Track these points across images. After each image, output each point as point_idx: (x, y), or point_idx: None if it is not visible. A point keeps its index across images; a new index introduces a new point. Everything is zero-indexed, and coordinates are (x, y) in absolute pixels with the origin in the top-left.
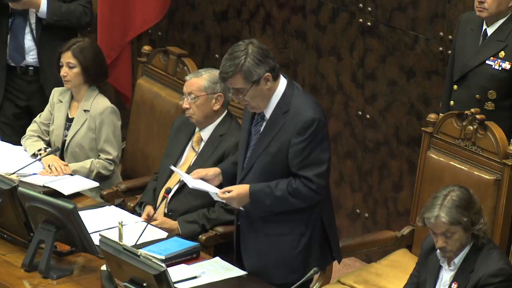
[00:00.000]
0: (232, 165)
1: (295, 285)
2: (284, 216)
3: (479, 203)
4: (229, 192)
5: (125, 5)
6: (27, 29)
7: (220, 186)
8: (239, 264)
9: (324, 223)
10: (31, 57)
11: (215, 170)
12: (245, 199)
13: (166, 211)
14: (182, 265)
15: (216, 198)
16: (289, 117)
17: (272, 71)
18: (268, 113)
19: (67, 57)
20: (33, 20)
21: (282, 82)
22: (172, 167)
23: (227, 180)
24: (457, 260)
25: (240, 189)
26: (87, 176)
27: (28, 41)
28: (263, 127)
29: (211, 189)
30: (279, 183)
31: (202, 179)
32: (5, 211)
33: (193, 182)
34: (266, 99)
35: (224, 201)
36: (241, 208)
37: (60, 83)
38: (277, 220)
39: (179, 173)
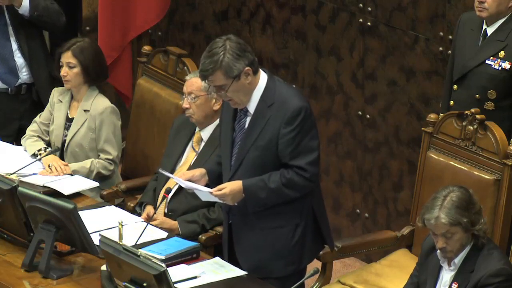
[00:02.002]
0: (216, 165)
1: (294, 286)
2: (278, 208)
3: (479, 203)
4: (222, 189)
5: (126, 5)
6: (14, 47)
7: (206, 186)
8: (231, 262)
9: (315, 212)
10: (24, 74)
11: (201, 171)
12: (239, 195)
13: (166, 211)
14: (182, 265)
15: (204, 199)
16: (275, 109)
17: (251, 65)
18: (251, 108)
19: (67, 57)
20: (15, 34)
21: (263, 76)
22: (161, 171)
23: (212, 180)
24: (457, 260)
25: (233, 185)
26: (87, 176)
27: (19, 59)
28: (247, 122)
29: (203, 188)
30: (271, 176)
31: (190, 180)
32: (5, 211)
33: (185, 183)
34: (248, 93)
35: (217, 199)
36: (235, 203)
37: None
38: (272, 213)
39: (171, 176)
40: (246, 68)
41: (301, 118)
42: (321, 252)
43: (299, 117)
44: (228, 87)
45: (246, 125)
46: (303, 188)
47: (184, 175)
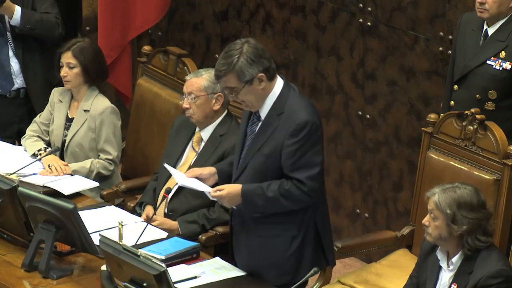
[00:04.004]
0: (228, 165)
1: (294, 286)
2: (276, 218)
3: (479, 215)
4: (220, 190)
5: (125, 5)
6: (11, 53)
7: (215, 186)
8: (235, 263)
9: (318, 226)
10: (20, 80)
11: (210, 170)
12: (236, 199)
13: (166, 211)
14: (182, 265)
15: (212, 198)
16: (284, 119)
17: (266, 71)
18: (263, 114)
19: (67, 57)
20: (13, 40)
21: (279, 83)
22: (165, 165)
23: (223, 179)
24: (455, 260)
25: (231, 188)
26: (87, 176)
27: (15, 64)
28: (258, 127)
29: (202, 188)
30: (271, 184)
31: (197, 178)
32: (5, 211)
33: (184, 180)
34: (260, 98)
35: (215, 199)
36: (234, 207)
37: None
38: (269, 222)
39: (171, 171)
40: (260, 74)
41: (306, 132)
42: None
43: (304, 131)
44: (239, 90)
45: (256, 130)
46: (300, 201)
47: (193, 172)
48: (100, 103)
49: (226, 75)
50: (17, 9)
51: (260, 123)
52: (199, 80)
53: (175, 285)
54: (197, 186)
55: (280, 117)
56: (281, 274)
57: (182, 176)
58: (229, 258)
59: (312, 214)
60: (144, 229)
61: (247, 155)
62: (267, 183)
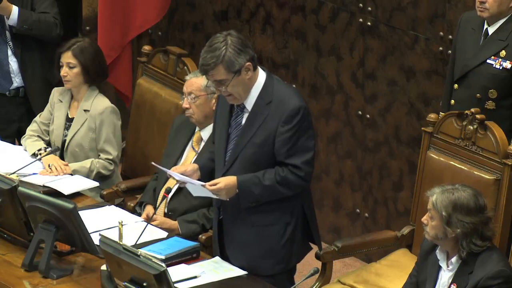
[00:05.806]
0: (208, 161)
1: (294, 286)
2: (270, 206)
3: (475, 219)
4: (216, 184)
5: (125, 5)
6: (9, 52)
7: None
8: (225, 258)
9: (305, 211)
10: (19, 79)
11: (193, 166)
12: (233, 190)
13: (166, 210)
14: (182, 265)
15: (195, 194)
16: (274, 107)
17: (252, 60)
18: (249, 105)
19: (67, 57)
20: (11, 39)
21: (262, 74)
22: (153, 163)
23: (205, 175)
24: (454, 260)
25: (227, 180)
26: (87, 176)
27: (14, 63)
28: (244, 118)
29: (196, 182)
30: (266, 173)
31: (182, 174)
32: (5, 211)
33: (179, 175)
34: (247, 89)
35: (209, 194)
36: (227, 199)
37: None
38: (263, 210)
39: (165, 171)
40: (247, 63)
41: (299, 118)
42: (321, 252)
43: (297, 117)
44: (228, 82)
45: (243, 122)
46: (297, 186)
47: (177, 170)
48: (100, 103)
49: (215, 68)
50: (15, 9)
51: (246, 114)
52: (199, 80)
53: (175, 285)
54: (192, 180)
55: (269, 106)
56: (277, 262)
57: (174, 173)
58: (218, 253)
59: (301, 200)
60: (144, 229)
61: (236, 147)
62: (261, 172)
